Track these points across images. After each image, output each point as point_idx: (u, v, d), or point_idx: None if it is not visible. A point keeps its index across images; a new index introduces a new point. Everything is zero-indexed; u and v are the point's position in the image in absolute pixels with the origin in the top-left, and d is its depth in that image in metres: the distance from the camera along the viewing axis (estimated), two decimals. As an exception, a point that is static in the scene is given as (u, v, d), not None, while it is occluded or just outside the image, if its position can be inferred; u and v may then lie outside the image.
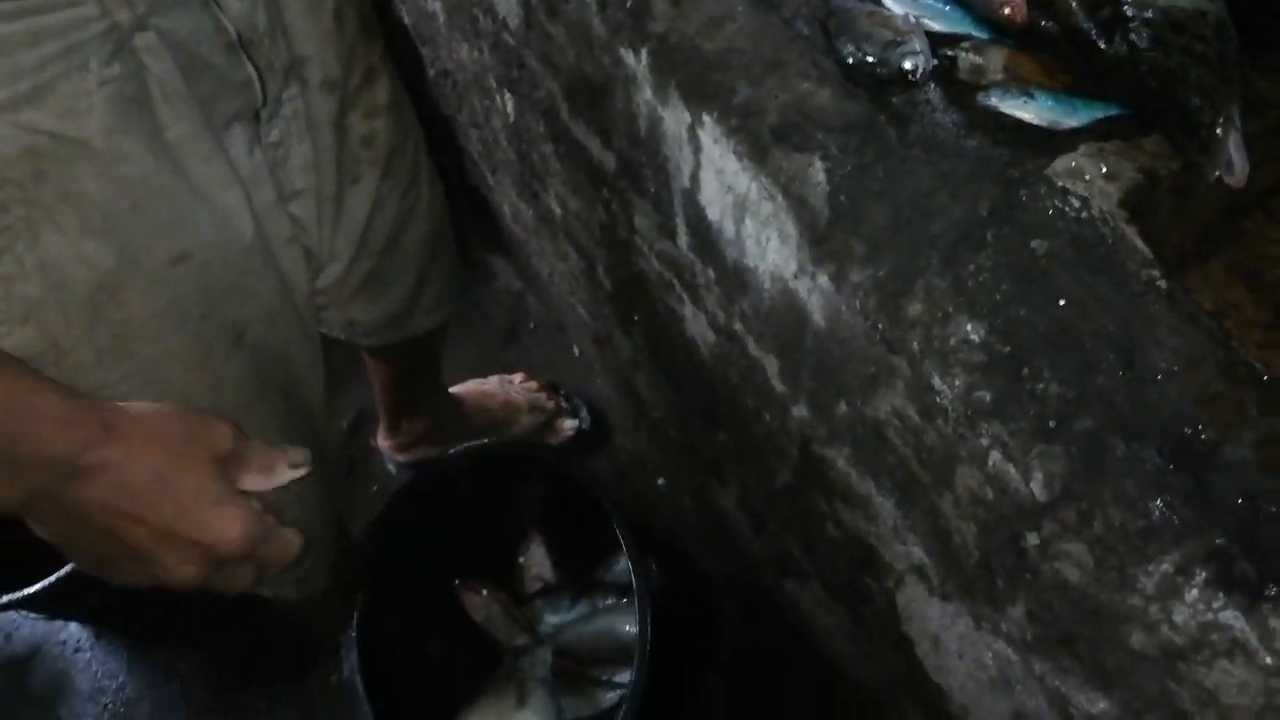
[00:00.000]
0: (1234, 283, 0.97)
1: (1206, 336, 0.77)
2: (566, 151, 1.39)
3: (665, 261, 1.28)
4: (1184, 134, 0.87)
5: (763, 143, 0.94)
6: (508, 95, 1.53)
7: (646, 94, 1.06)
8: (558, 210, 1.59)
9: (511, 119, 1.55)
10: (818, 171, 0.91)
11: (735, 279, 1.11)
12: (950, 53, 0.98)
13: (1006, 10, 0.99)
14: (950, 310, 0.83)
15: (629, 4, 1.05)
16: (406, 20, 1.82)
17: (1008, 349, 0.80)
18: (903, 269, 0.86)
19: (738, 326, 1.17)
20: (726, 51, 1.00)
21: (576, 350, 2.15)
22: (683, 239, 1.19)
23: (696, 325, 1.30)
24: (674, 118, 1.03)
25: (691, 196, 1.09)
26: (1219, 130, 0.86)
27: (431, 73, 1.86)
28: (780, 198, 0.92)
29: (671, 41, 1.02)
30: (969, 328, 0.81)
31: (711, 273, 1.17)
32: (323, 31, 1.02)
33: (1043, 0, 0.99)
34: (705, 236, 1.12)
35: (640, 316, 1.51)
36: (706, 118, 0.99)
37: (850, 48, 0.98)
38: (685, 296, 1.27)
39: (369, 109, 1.14)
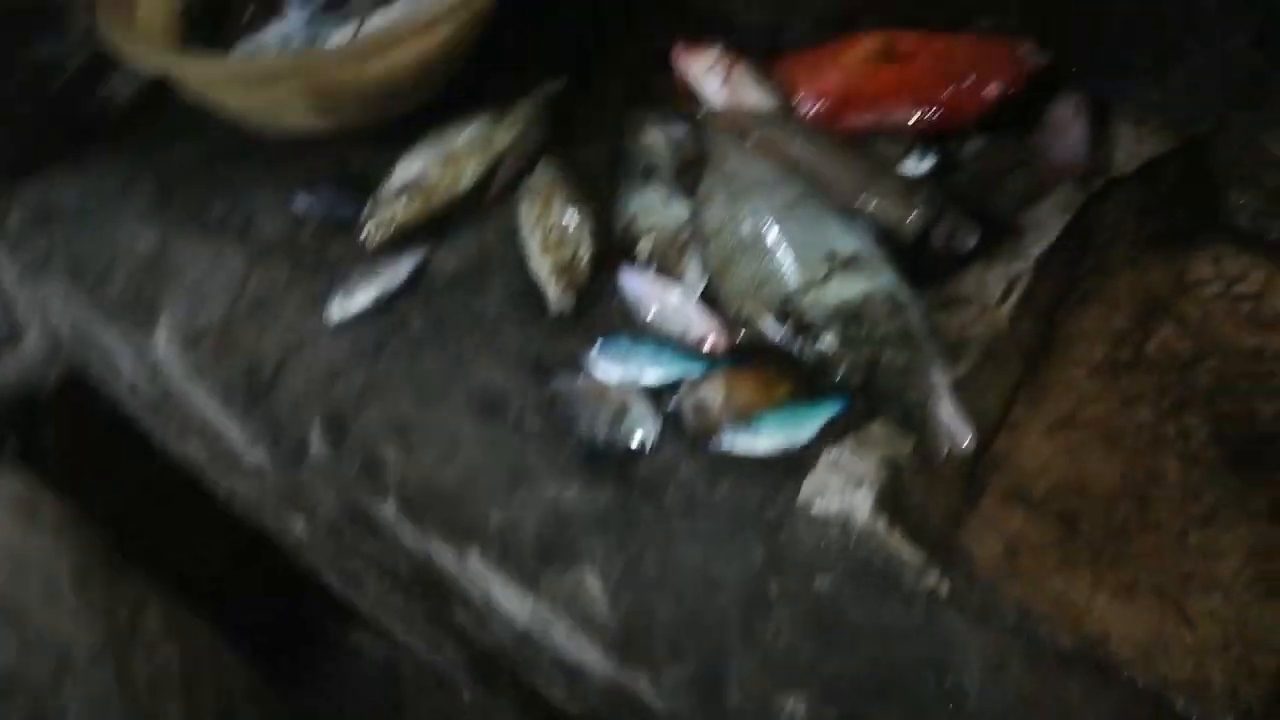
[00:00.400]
0: (1010, 512, 1.00)
1: (1000, 631, 0.78)
2: (370, 567, 1.34)
3: (500, 649, 1.23)
4: (901, 419, 0.91)
5: (529, 570, 0.92)
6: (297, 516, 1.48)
7: (411, 540, 1.03)
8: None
9: (305, 539, 1.50)
10: (593, 585, 0.89)
11: (570, 668, 1.07)
12: (672, 406, 1.00)
13: (709, 344, 1.03)
14: (769, 688, 0.81)
15: (359, 462, 1.04)
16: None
17: (835, 711, 0.78)
18: (709, 659, 0.84)
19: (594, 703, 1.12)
20: (467, 479, 1.00)
21: (467, 695, 2.04)
22: (505, 635, 1.15)
23: (557, 696, 1.25)
24: (444, 555, 1.01)
25: (496, 609, 1.06)
26: (929, 405, 0.90)
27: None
28: (566, 618, 0.90)
29: (411, 487, 1.01)
30: (791, 702, 0.80)
31: (547, 660, 1.12)
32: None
33: (738, 321, 1.04)
34: (525, 638, 1.08)
35: (507, 686, 1.44)
36: (471, 552, 0.97)
37: (581, 432, 0.99)
38: (532, 678, 1.22)
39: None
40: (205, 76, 1.29)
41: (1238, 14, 1.03)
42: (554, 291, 1.08)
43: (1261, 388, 1.06)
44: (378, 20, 1.31)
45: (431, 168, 1.23)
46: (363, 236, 1.19)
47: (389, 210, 1.20)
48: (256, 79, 1.28)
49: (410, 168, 1.24)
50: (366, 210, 1.21)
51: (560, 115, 1.31)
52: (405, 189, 1.21)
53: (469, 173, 1.25)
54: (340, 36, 1.33)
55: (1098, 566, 0.95)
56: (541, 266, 1.11)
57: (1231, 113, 1.11)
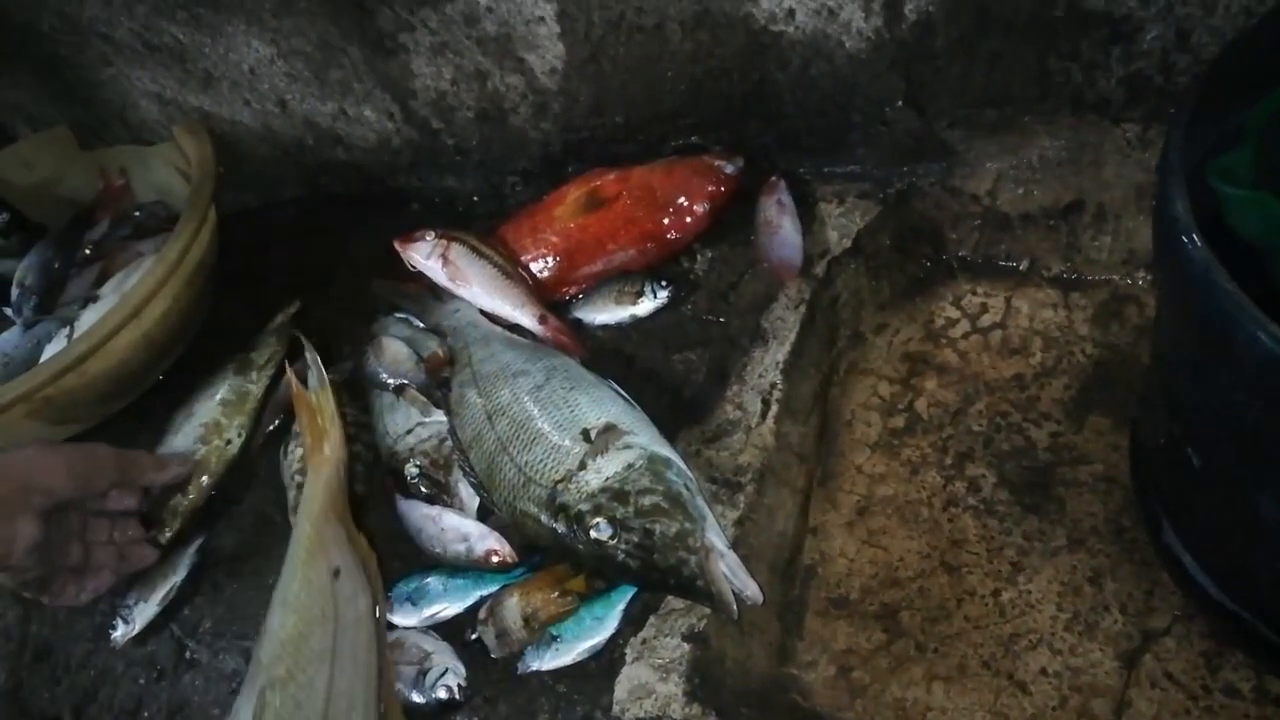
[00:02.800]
0: (834, 626, 0.99)
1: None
2: None
3: None
4: (688, 592, 0.89)
5: None
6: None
7: None
8: None
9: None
10: None
11: None
12: (474, 635, 0.96)
13: (495, 559, 1.00)
14: None
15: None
16: None
17: None
18: None
19: None
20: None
21: None
22: None
23: None
24: None
25: None
26: (708, 570, 0.88)
27: None
28: None
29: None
30: None
31: None
32: None
33: (515, 525, 1.01)
34: None
35: None
36: None
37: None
38: None
39: None
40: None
41: (885, 82, 1.07)
42: None
43: (1031, 413, 1.08)
44: (90, 316, 1.27)
45: (196, 444, 1.19)
46: (162, 539, 1.13)
47: (170, 508, 1.14)
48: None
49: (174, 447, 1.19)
50: (153, 514, 1.14)
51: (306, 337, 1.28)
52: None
53: (234, 432, 1.21)
54: (56, 343, 1.27)
55: (927, 658, 0.95)
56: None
57: (914, 166, 1.15)
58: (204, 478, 1.17)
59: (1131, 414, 1.01)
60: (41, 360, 1.25)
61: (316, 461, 1.07)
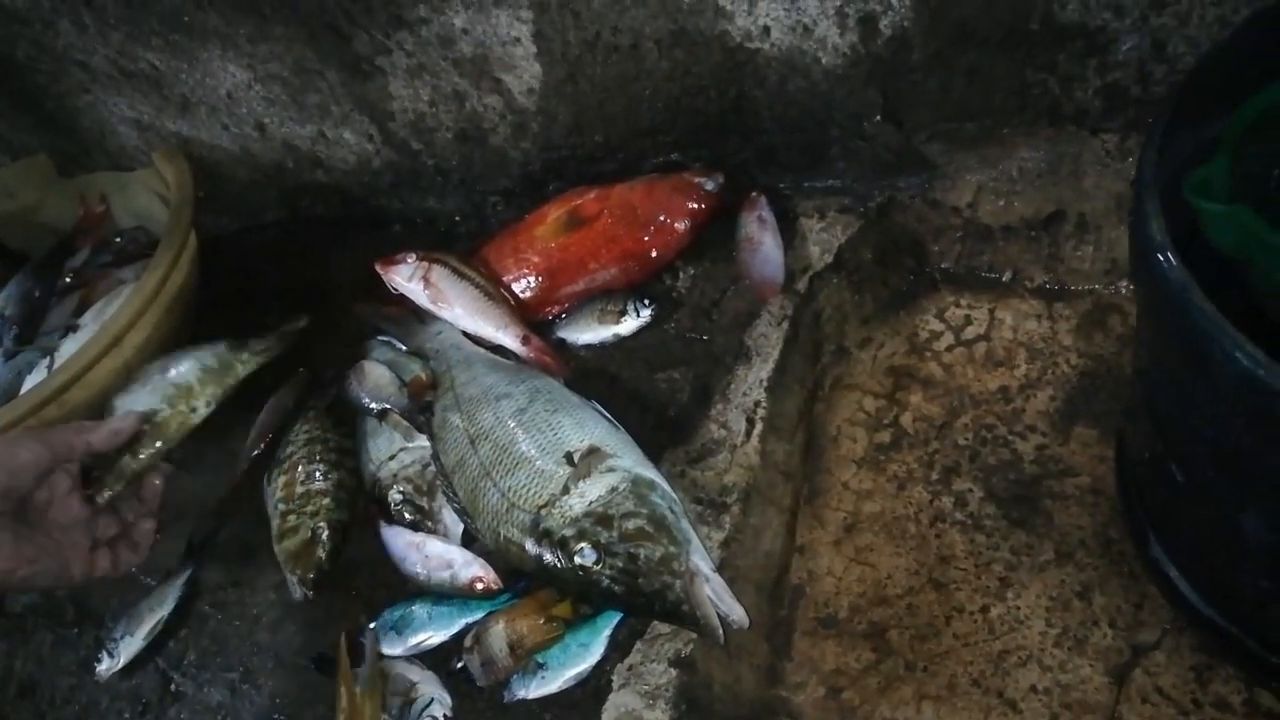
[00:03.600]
0: (822, 646, 0.99)
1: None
2: None
3: None
4: (674, 617, 0.88)
5: None
6: None
7: None
8: None
9: None
10: None
11: None
12: (460, 664, 0.96)
13: (479, 586, 0.99)
14: None
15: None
16: None
17: None
18: None
19: None
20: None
21: None
22: None
23: None
24: None
25: None
26: (693, 593, 0.87)
27: None
28: None
29: None
30: None
31: None
32: None
33: (499, 551, 1.00)
34: None
35: None
36: None
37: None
38: None
39: None
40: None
41: (862, 97, 1.07)
42: (291, 581, 1.03)
43: (1016, 426, 1.08)
44: (70, 347, 1.26)
45: (161, 403, 1.13)
46: (100, 499, 1.00)
47: (116, 468, 1.04)
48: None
49: (133, 404, 1.13)
50: (97, 474, 1.01)
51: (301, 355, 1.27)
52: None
53: (203, 402, 1.16)
54: (37, 373, 1.26)
55: (916, 676, 0.94)
56: (280, 555, 1.06)
57: (894, 179, 1.15)
58: (158, 442, 1.09)
59: (1117, 425, 1.01)
60: (22, 391, 1.24)
61: None
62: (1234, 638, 0.82)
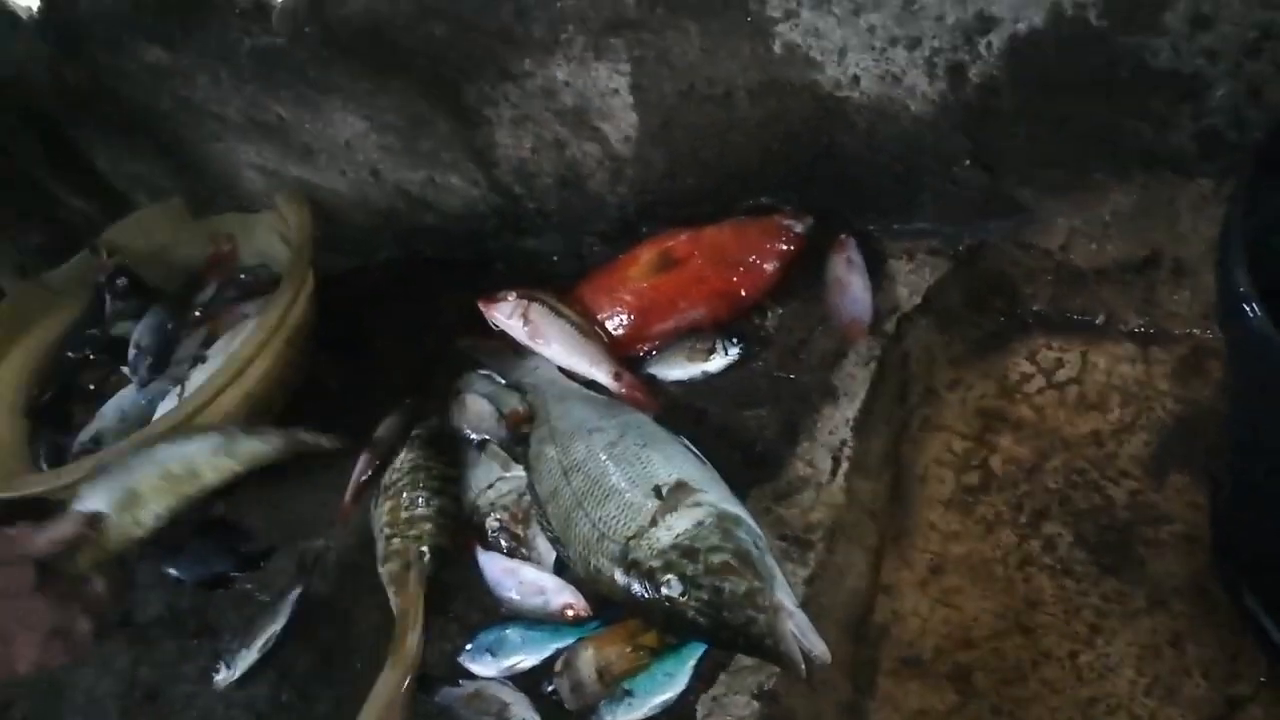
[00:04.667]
0: (905, 686, 0.99)
1: None
2: None
3: None
4: (757, 650, 0.90)
5: None
6: None
7: None
8: None
9: None
10: None
11: None
12: (550, 687, 0.99)
13: (570, 612, 1.03)
14: None
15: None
16: None
17: None
18: None
19: None
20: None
21: None
22: None
23: None
24: None
25: None
26: (776, 629, 0.89)
27: None
28: None
29: None
30: None
31: None
32: None
33: (590, 579, 1.04)
34: None
35: None
36: None
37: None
38: None
39: None
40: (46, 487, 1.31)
41: (951, 143, 1.09)
42: (393, 601, 1.09)
43: (1108, 470, 1.07)
44: (198, 377, 1.35)
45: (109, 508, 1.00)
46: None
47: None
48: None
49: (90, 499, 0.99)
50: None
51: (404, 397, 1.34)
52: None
53: (150, 517, 1.02)
54: (169, 401, 1.37)
55: (1001, 721, 0.94)
56: (383, 576, 1.12)
57: (984, 222, 1.16)
58: (99, 549, 0.98)
59: (1211, 471, 0.99)
60: (155, 417, 1.34)
61: (395, 658, 1.03)
62: (1334, 693, 0.80)
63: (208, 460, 1.05)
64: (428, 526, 1.14)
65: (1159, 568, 0.98)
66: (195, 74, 1.46)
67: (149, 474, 1.03)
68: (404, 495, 1.19)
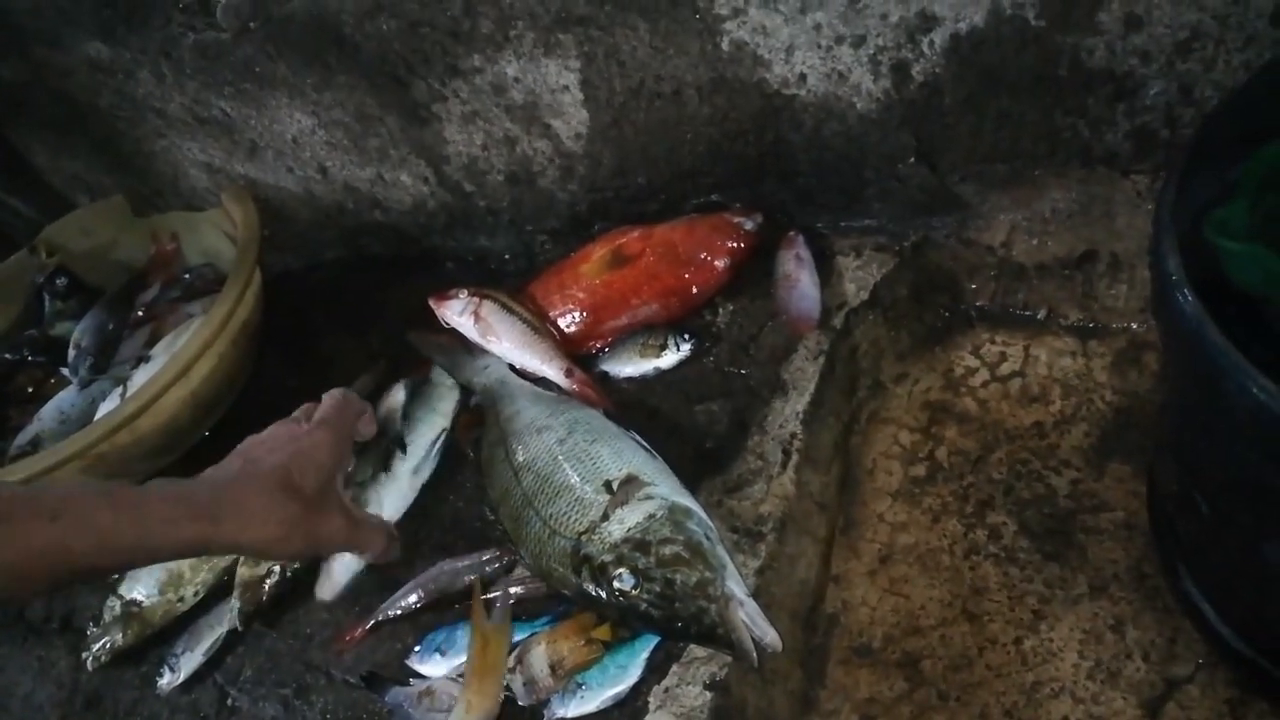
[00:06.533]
0: (856, 674, 1.01)
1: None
2: None
3: None
4: (709, 640, 0.91)
5: None
6: None
7: None
8: None
9: None
10: None
11: None
12: (503, 682, 0.99)
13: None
14: None
15: None
16: None
17: None
18: None
19: None
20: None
21: None
22: None
23: None
24: None
25: None
26: (728, 618, 0.90)
27: None
28: None
29: None
30: None
31: None
32: None
33: (541, 575, 1.04)
34: None
35: None
36: None
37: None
38: None
39: None
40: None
41: (896, 139, 1.11)
42: (233, 605, 1.13)
43: (1051, 461, 1.09)
44: (141, 376, 1.33)
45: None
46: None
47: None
48: (38, 475, 1.27)
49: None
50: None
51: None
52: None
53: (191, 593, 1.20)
54: (110, 401, 1.34)
55: (949, 706, 0.95)
56: (237, 576, 1.14)
57: (928, 219, 1.18)
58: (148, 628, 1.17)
59: (1149, 460, 1.02)
60: (96, 418, 1.31)
61: (470, 699, 0.96)
62: (1266, 672, 0.82)
63: None
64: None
65: (1100, 554, 1.00)
66: (136, 69, 1.43)
67: None
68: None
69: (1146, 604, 0.96)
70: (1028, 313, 1.20)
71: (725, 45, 1.09)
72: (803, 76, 1.10)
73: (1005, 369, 1.18)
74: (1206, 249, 0.72)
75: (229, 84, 1.38)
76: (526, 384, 1.21)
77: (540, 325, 1.25)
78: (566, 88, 1.20)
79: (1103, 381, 1.13)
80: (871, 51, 1.04)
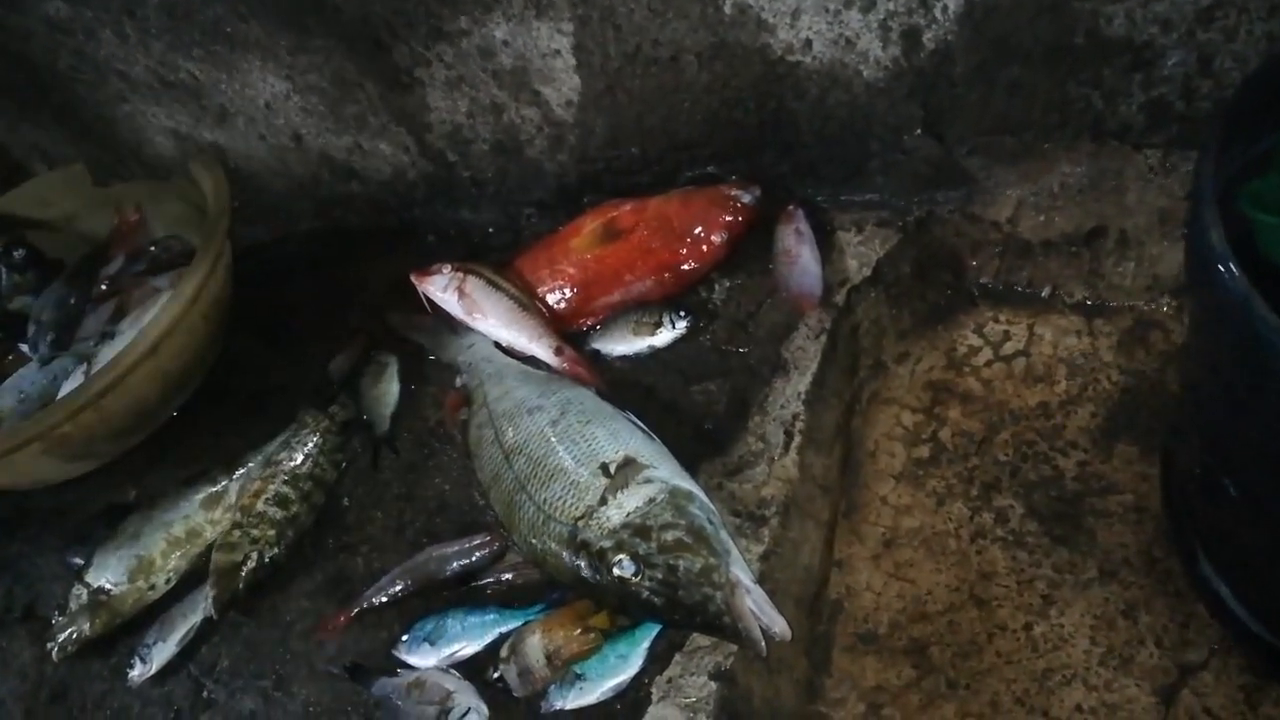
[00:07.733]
0: (862, 662, 0.98)
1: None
2: None
3: None
4: (715, 629, 0.87)
5: None
6: None
7: None
8: None
9: None
10: None
11: None
12: (496, 674, 0.95)
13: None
14: None
15: None
16: None
17: None
18: None
19: None
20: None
21: None
22: None
23: None
24: None
25: None
26: (734, 605, 0.86)
27: None
28: None
29: None
30: None
31: None
32: None
33: (536, 561, 1.00)
34: None
35: None
36: None
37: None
38: None
39: None
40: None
41: (903, 110, 1.07)
42: (207, 594, 1.07)
43: (1057, 442, 1.07)
44: (107, 352, 1.26)
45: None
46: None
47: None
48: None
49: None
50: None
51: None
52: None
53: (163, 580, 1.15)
54: (74, 379, 1.27)
55: (958, 694, 0.93)
56: (211, 562, 1.09)
57: (933, 193, 1.14)
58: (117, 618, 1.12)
59: (1160, 441, 0.99)
60: (59, 397, 1.25)
61: None
62: (1286, 658, 0.81)
63: (207, 518, 1.15)
64: (270, 533, 1.10)
65: (1110, 538, 0.98)
66: (98, 29, 1.35)
67: (155, 539, 1.13)
68: (272, 487, 1.14)
69: (1158, 589, 0.94)
70: (1032, 291, 1.18)
71: (728, 8, 1.05)
72: (808, 42, 1.05)
73: (1009, 348, 1.15)
74: (1234, 222, 0.69)
75: (197, 45, 1.31)
76: (515, 363, 1.17)
77: (528, 301, 1.20)
78: (558, 52, 1.15)
79: (1109, 361, 1.10)
80: (882, 17, 1.00)
